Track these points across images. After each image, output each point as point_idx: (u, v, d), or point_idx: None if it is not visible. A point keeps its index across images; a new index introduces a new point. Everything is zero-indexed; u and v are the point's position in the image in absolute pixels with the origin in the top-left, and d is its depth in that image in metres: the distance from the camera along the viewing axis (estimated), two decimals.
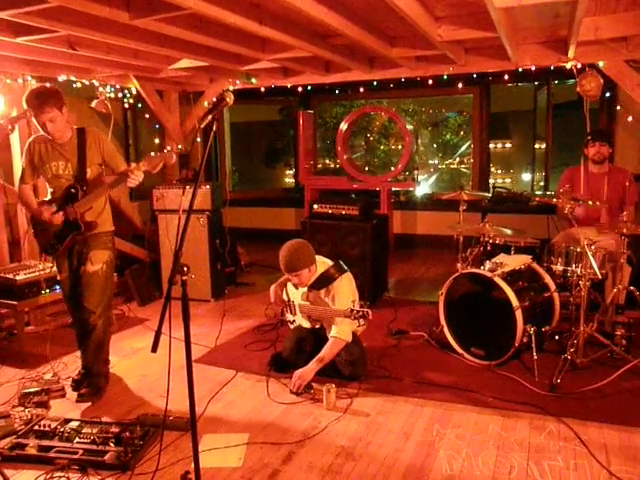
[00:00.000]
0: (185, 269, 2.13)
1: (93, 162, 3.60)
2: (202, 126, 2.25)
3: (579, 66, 5.16)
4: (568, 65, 5.18)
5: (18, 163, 5.04)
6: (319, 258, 3.86)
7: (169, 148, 3.43)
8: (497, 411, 3.34)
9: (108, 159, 3.66)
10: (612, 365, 3.78)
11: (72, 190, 3.55)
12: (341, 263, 3.89)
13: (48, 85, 3.63)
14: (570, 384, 3.56)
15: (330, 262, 3.88)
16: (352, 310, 3.48)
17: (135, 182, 3.47)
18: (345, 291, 3.76)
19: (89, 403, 3.56)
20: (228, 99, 2.28)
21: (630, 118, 6.34)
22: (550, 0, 3.29)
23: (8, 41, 4.10)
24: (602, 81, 5.06)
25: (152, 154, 3.47)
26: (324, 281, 3.79)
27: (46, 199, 3.67)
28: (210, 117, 2.25)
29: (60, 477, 2.76)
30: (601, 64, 5.13)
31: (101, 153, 3.63)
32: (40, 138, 3.61)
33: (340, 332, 3.66)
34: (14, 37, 3.96)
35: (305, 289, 3.83)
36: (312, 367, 3.63)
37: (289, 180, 11.44)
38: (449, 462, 2.83)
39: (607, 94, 6.40)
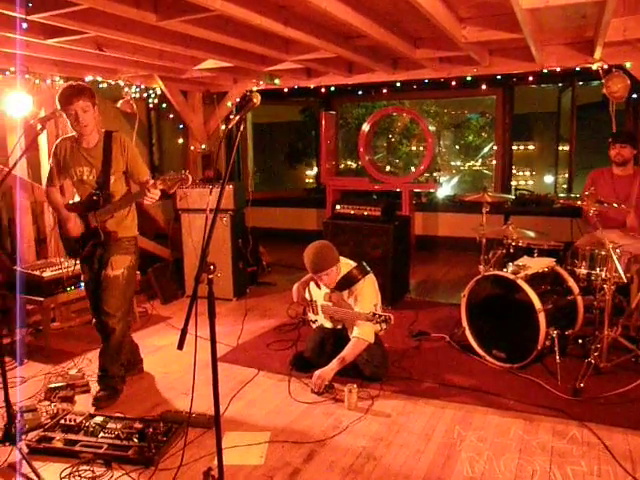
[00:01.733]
0: (212, 267, 2.15)
1: (117, 169, 3.54)
2: (230, 126, 2.28)
3: (606, 67, 5.10)
4: (594, 66, 5.12)
5: (46, 163, 5.15)
6: (342, 259, 3.87)
7: (185, 171, 3.37)
8: (519, 414, 3.32)
9: (131, 167, 3.58)
10: (637, 370, 3.74)
11: (94, 197, 3.51)
12: (364, 264, 3.89)
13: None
14: (594, 389, 3.52)
15: (353, 263, 3.89)
16: (374, 314, 3.49)
17: (151, 200, 3.42)
18: (368, 293, 3.77)
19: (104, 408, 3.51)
20: (256, 100, 2.28)
21: None
22: (577, 1, 3.26)
23: (38, 43, 4.18)
24: (629, 82, 4.99)
25: (171, 172, 3.40)
26: (347, 282, 3.81)
27: (71, 202, 3.64)
28: (238, 118, 2.27)
29: (85, 470, 2.82)
30: (628, 65, 5.06)
31: (125, 161, 3.56)
32: (67, 140, 3.58)
33: (362, 333, 3.67)
34: (44, 39, 4.04)
35: (328, 290, 3.84)
36: (332, 367, 3.64)
37: (310, 181, 11.46)
38: (470, 464, 2.82)
39: (634, 95, 6.31)
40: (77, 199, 3.63)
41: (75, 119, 3.36)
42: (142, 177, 3.60)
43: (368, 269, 3.87)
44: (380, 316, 3.46)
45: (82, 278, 3.83)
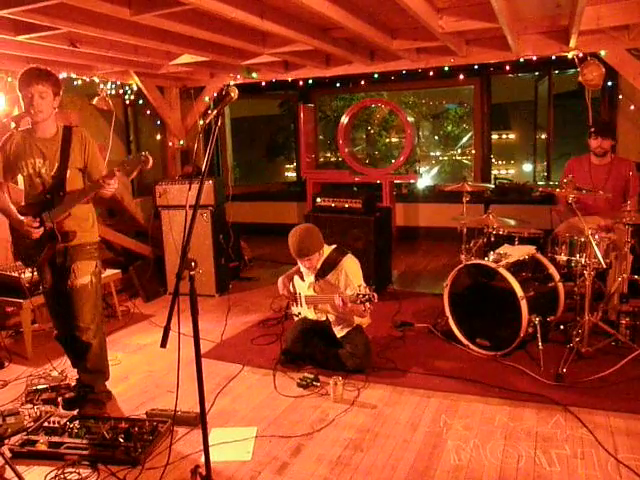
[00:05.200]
0: (193, 264, 2.14)
1: (74, 165, 3.29)
2: (207, 121, 2.26)
3: (580, 55, 5.15)
4: (570, 55, 5.17)
5: None
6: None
7: (145, 153, 3.13)
8: (504, 401, 3.35)
9: (91, 165, 3.35)
10: (617, 354, 3.79)
11: (47, 196, 3.24)
12: (341, 247, 3.97)
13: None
14: (576, 373, 3.57)
15: (331, 247, 3.94)
16: (358, 295, 3.47)
17: (110, 190, 3.17)
18: (355, 267, 3.84)
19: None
20: (233, 94, 2.27)
21: (632, 107, 6.33)
22: None
23: (9, 39, 4.10)
24: (604, 70, 5.05)
25: (126, 159, 3.17)
26: (329, 266, 3.84)
27: (24, 203, 3.34)
28: (215, 112, 2.25)
29: (71, 473, 2.78)
30: (603, 53, 5.11)
31: (84, 157, 3.33)
32: (20, 133, 3.32)
33: None
34: (15, 35, 3.96)
35: (312, 279, 3.85)
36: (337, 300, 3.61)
37: (290, 174, 11.44)
38: (457, 452, 2.84)
39: (609, 83, 6.39)
40: (25, 202, 3.35)
41: (30, 103, 3.11)
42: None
43: (346, 250, 3.94)
44: (364, 296, 3.44)
45: (41, 288, 3.54)
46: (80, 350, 3.45)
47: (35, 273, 3.73)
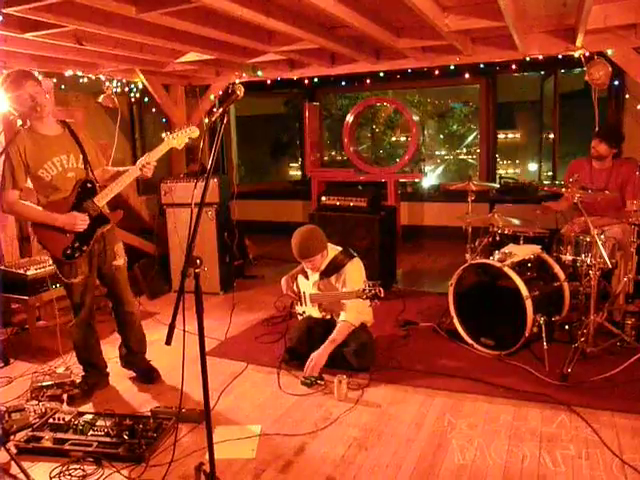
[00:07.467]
0: (198, 262, 2.14)
1: (89, 155, 3.48)
2: (213, 120, 2.26)
3: (587, 54, 5.12)
4: (576, 54, 5.14)
5: None
6: (329, 245, 3.92)
7: (192, 127, 3.57)
8: (508, 401, 3.35)
9: (94, 155, 3.54)
10: (622, 354, 3.78)
11: (88, 185, 3.38)
12: (349, 249, 3.95)
13: None
14: (581, 373, 3.56)
15: (338, 248, 3.94)
16: (364, 290, 3.48)
17: (150, 170, 3.53)
18: (356, 273, 3.82)
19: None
20: (239, 92, 2.27)
21: (639, 106, 6.29)
22: None
23: (16, 37, 4.10)
24: (611, 69, 5.02)
25: (178, 131, 3.61)
26: (334, 268, 3.84)
27: (48, 202, 3.33)
28: (220, 111, 2.25)
29: (75, 469, 2.80)
30: (609, 52, 5.08)
31: (93, 147, 3.54)
32: (24, 134, 3.27)
33: (349, 317, 3.74)
34: (22, 33, 3.96)
35: (317, 278, 3.85)
36: (325, 348, 3.68)
37: (295, 173, 11.43)
38: (461, 452, 2.84)
39: (616, 82, 6.35)
40: (51, 199, 3.34)
41: (32, 100, 3.15)
42: (102, 165, 3.62)
43: (354, 253, 3.92)
44: (370, 290, 3.46)
45: (72, 280, 3.46)
46: (130, 322, 3.78)
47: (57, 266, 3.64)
